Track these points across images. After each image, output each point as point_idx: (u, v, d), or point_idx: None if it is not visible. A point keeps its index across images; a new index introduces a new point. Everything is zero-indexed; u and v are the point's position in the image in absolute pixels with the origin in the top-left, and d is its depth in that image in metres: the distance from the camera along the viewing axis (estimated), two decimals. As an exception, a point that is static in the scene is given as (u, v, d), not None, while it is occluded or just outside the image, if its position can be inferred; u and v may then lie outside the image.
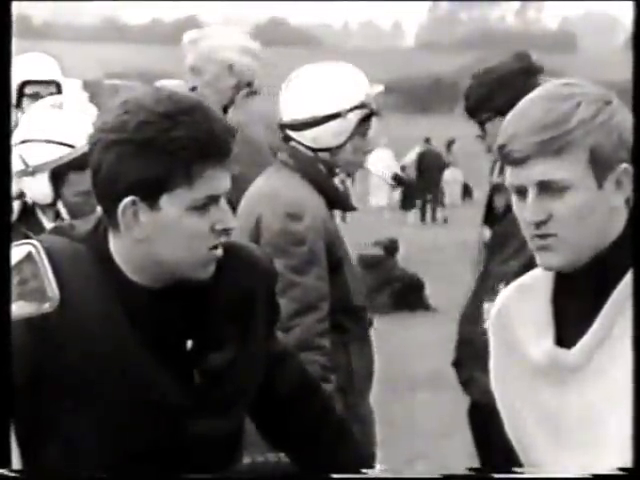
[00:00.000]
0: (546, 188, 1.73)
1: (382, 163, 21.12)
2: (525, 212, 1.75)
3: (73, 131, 3.06)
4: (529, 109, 1.75)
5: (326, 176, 3.09)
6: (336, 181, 3.15)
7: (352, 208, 3.27)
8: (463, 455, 5.80)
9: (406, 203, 21.56)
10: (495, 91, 3.03)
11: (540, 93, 1.77)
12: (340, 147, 3.08)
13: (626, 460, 1.70)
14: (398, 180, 23.48)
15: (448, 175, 22.60)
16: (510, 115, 1.78)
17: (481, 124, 3.17)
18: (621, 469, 1.69)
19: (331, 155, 3.09)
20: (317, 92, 3.07)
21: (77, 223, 1.98)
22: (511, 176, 1.77)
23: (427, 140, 20.53)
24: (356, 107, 3.06)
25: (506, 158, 1.76)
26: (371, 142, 3.18)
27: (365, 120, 3.09)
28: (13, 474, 1.79)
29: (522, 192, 1.76)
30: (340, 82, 3.10)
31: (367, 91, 3.08)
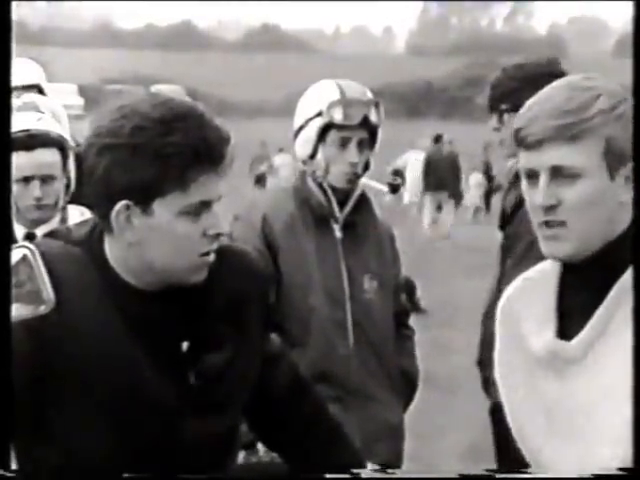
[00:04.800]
0: (558, 174, 1.76)
1: (414, 164, 20.94)
2: (535, 196, 1.77)
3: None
4: (550, 96, 1.79)
5: (306, 187, 3.12)
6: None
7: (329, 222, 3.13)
8: (453, 456, 5.83)
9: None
10: (524, 86, 3.08)
11: (561, 83, 1.81)
12: (312, 158, 3.12)
13: (623, 450, 1.71)
14: (393, 187, 23.41)
15: (471, 179, 22.55)
16: (530, 101, 1.81)
17: (500, 115, 3.23)
18: (621, 469, 1.70)
19: (307, 166, 3.13)
20: (298, 108, 3.19)
21: (73, 227, 1.99)
22: (525, 160, 1.79)
23: (437, 138, 19.72)
24: (315, 116, 3.11)
25: (522, 141, 1.78)
26: (353, 154, 3.08)
27: (330, 129, 3.08)
28: (11, 474, 1.80)
29: (534, 177, 1.78)
30: (310, 95, 3.17)
31: (330, 100, 3.09)
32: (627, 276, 1.77)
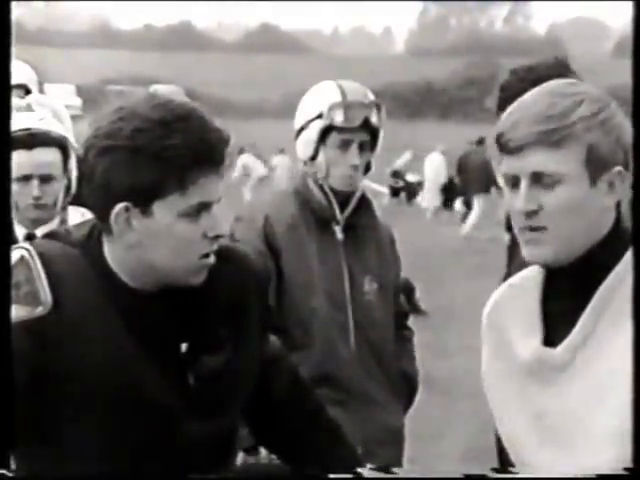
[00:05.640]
0: (539, 179, 1.76)
1: (434, 167, 20.86)
2: (516, 201, 1.77)
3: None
4: (532, 102, 1.79)
5: (307, 189, 3.12)
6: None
7: (334, 223, 3.13)
8: (452, 458, 5.83)
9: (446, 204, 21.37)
10: (534, 88, 3.09)
11: (544, 89, 1.81)
12: (313, 159, 3.12)
13: (612, 456, 1.71)
14: (394, 190, 23.49)
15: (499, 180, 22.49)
16: (511, 107, 1.81)
17: None
18: (622, 469, 1.69)
19: (308, 167, 3.13)
20: (299, 109, 3.18)
21: (72, 228, 1.99)
22: (506, 165, 1.79)
23: (480, 141, 18.94)
24: (315, 118, 3.11)
25: (504, 147, 1.78)
26: (354, 156, 3.08)
27: (331, 131, 3.08)
28: (11, 474, 1.80)
29: (515, 182, 1.78)
30: (310, 96, 3.17)
31: (331, 102, 3.08)
32: (610, 280, 1.76)
